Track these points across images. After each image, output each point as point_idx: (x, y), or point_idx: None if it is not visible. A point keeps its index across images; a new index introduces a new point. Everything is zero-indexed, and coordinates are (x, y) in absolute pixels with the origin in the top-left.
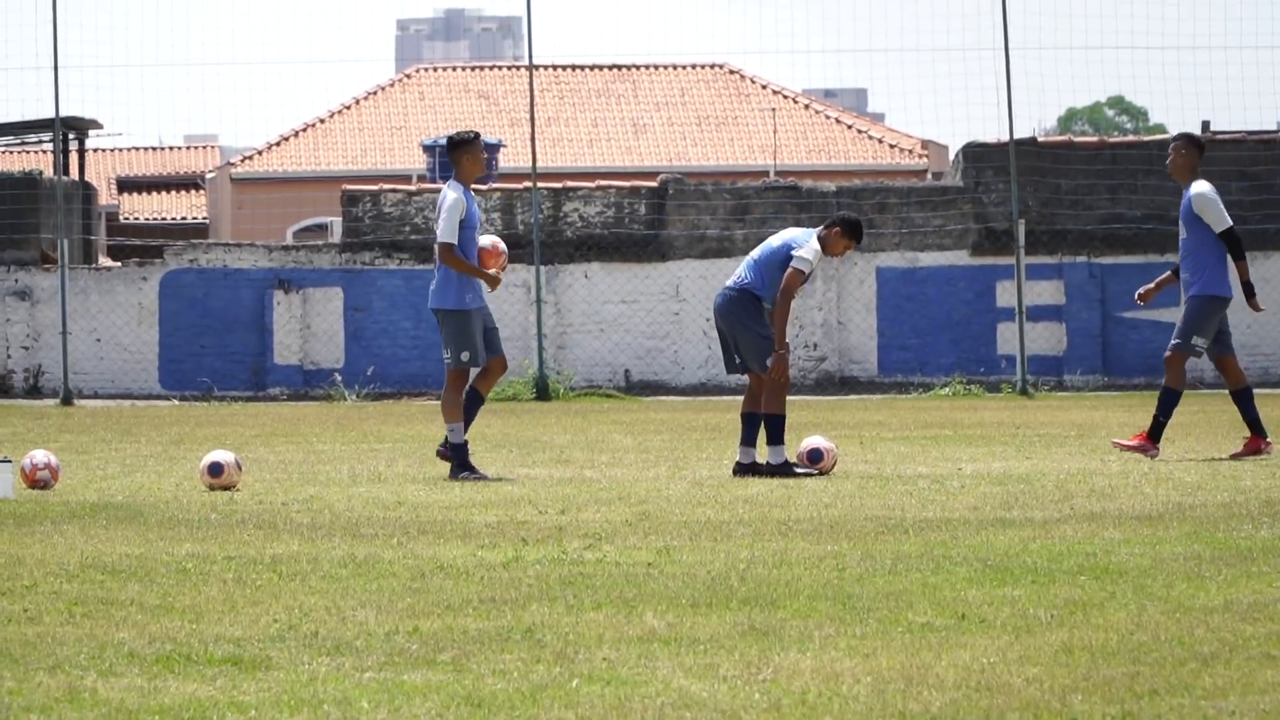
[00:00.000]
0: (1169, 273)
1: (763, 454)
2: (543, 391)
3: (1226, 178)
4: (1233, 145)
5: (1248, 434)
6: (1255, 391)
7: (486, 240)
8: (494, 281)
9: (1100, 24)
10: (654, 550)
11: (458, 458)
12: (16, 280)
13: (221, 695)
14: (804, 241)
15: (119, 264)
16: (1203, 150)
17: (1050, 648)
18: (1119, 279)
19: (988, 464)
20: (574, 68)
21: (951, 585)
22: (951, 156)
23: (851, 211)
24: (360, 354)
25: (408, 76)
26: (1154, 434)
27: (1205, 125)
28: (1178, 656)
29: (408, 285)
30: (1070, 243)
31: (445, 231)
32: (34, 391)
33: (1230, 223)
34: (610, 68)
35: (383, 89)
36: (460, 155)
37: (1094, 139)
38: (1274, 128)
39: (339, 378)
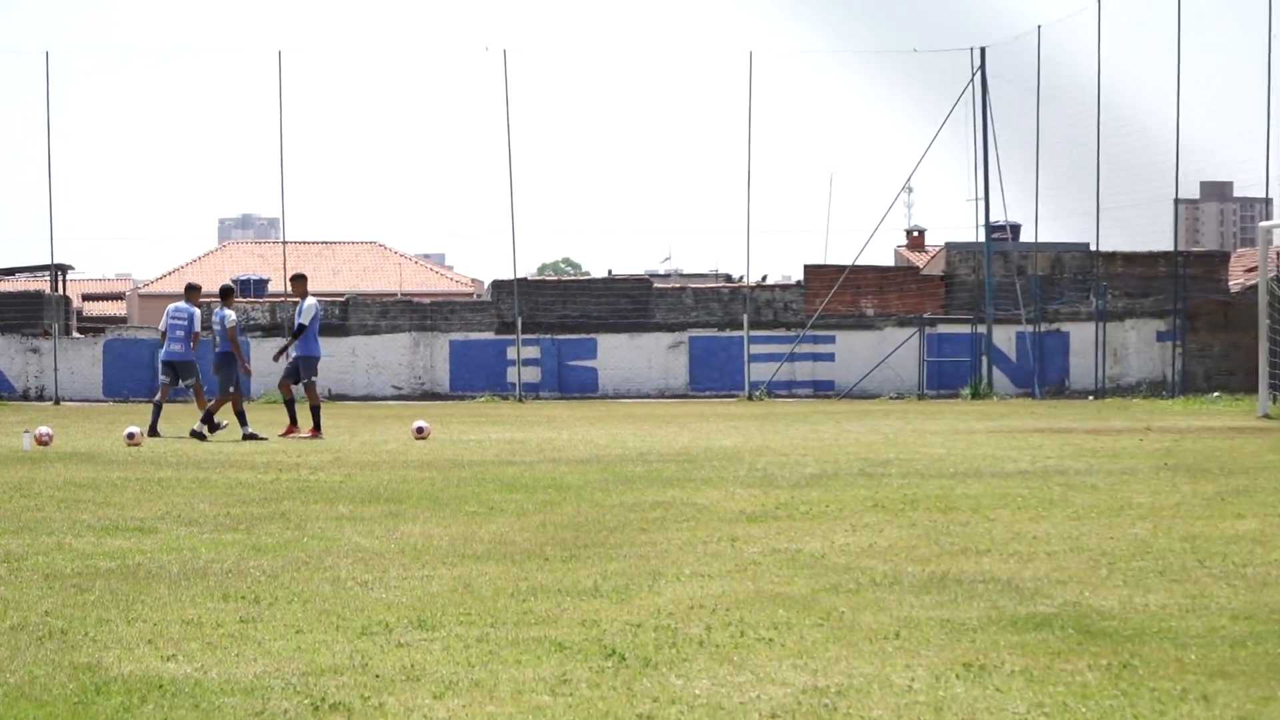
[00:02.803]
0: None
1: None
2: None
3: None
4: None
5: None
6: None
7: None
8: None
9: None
10: (342, 475)
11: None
12: (31, 343)
13: (133, 546)
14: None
15: (83, 336)
16: (305, 280)
17: (534, 524)
18: (569, 348)
19: (505, 433)
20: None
21: (489, 494)
22: (487, 285)
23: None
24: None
25: (223, 248)
26: (317, 426)
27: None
28: (596, 525)
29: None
30: (544, 328)
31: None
32: (39, 398)
33: (302, 324)
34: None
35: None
36: (232, 299)
37: (555, 278)
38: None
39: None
